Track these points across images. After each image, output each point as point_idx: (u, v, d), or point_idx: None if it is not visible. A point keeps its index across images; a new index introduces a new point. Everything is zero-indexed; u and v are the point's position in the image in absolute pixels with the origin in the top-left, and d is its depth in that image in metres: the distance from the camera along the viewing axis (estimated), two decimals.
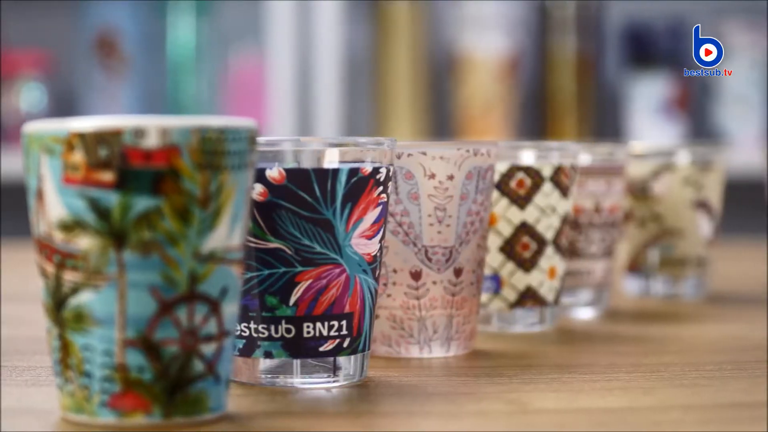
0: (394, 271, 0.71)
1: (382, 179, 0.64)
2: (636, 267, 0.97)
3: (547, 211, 0.79)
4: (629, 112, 2.08)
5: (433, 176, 0.70)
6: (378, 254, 0.64)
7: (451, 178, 0.70)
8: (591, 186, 0.87)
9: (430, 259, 0.71)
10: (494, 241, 0.79)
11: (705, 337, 0.80)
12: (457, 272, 0.71)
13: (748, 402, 0.60)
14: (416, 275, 0.71)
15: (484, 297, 0.80)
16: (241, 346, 0.64)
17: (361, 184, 0.63)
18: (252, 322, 0.63)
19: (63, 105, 2.06)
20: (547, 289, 0.80)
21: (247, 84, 2.07)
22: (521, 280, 0.79)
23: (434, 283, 0.71)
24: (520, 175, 0.79)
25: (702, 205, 0.97)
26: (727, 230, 1.45)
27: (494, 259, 0.79)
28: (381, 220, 0.64)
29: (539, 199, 0.79)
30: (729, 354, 0.74)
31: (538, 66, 2.10)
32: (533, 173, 0.79)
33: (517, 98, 2.09)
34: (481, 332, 0.79)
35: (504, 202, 0.79)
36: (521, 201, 0.79)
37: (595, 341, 0.78)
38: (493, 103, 2.06)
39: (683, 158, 0.97)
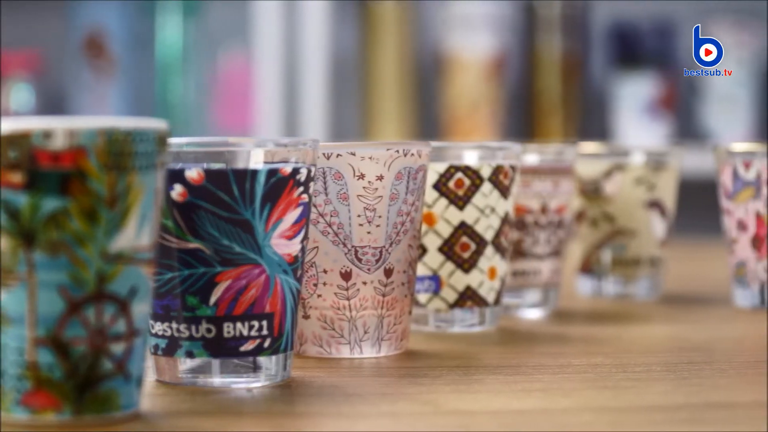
0: (325, 271, 0.71)
1: (302, 180, 0.64)
2: (588, 267, 0.97)
3: (486, 212, 0.79)
4: (616, 112, 2.08)
5: (362, 177, 0.70)
6: (299, 254, 0.64)
7: (380, 178, 0.70)
8: (537, 186, 0.87)
9: (360, 260, 0.71)
10: (433, 242, 0.79)
11: (645, 338, 0.80)
12: (388, 272, 0.71)
13: (665, 405, 0.60)
14: (346, 275, 0.71)
15: (424, 297, 0.80)
16: (164, 346, 0.64)
17: (280, 185, 0.63)
18: (174, 321, 0.63)
19: (51, 105, 2.07)
20: (487, 290, 0.80)
21: (235, 84, 2.07)
22: (461, 280, 0.79)
23: (364, 283, 0.71)
24: (459, 175, 0.79)
25: (655, 205, 0.96)
26: (690, 230, 1.45)
27: (433, 259, 0.79)
28: (302, 221, 0.64)
29: (478, 199, 0.79)
30: (663, 355, 0.74)
31: (524, 66, 2.10)
32: (471, 173, 0.79)
33: (504, 98, 2.09)
34: (420, 332, 0.79)
35: (443, 202, 0.79)
36: (460, 201, 0.79)
37: (533, 342, 0.78)
38: (479, 103, 2.06)
39: (635, 158, 0.96)
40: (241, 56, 2.06)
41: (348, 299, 0.71)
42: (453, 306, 0.80)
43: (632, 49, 2.07)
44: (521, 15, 2.11)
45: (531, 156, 0.88)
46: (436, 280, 0.79)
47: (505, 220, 0.80)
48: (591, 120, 2.14)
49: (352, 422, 0.57)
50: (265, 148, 0.63)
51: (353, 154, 0.70)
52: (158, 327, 0.64)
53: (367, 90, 2.07)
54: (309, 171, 0.65)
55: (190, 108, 2.05)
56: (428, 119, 2.13)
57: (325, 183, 0.70)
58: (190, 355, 0.63)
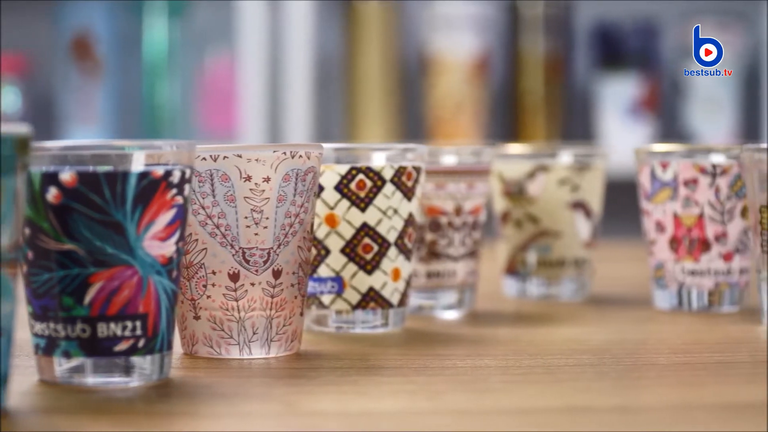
0: (213, 272, 0.71)
1: (176, 182, 0.65)
2: (513, 268, 0.97)
3: (388, 213, 0.80)
4: (599, 112, 2.08)
5: (249, 178, 0.71)
6: (174, 256, 0.65)
7: (267, 180, 0.71)
8: (451, 188, 0.88)
9: (247, 261, 0.71)
10: (336, 243, 0.79)
11: (546, 340, 0.80)
12: (276, 274, 0.72)
13: (525, 407, 0.60)
14: (234, 277, 0.71)
15: (327, 298, 0.80)
16: (43, 346, 0.65)
17: (152, 187, 0.64)
18: (51, 322, 0.64)
19: (39, 107, 2.08)
20: (390, 291, 0.80)
21: (221, 86, 2.08)
22: (363, 281, 0.80)
23: (252, 284, 0.71)
24: (360, 176, 0.79)
25: (579, 206, 0.96)
26: (621, 231, 1.44)
27: (336, 260, 0.80)
28: (177, 223, 0.65)
29: (380, 200, 0.79)
30: (551, 357, 0.74)
31: (508, 67, 2.10)
32: (373, 175, 0.79)
33: (488, 99, 2.09)
34: (323, 333, 0.80)
35: (344, 204, 0.79)
36: (361, 203, 0.79)
37: (433, 343, 0.79)
38: (464, 103, 2.06)
39: (559, 159, 0.97)
40: (227, 58, 2.07)
41: (236, 300, 0.71)
42: (356, 307, 0.80)
43: (615, 49, 2.06)
44: (505, 16, 2.11)
45: (448, 157, 0.88)
46: (338, 281, 0.80)
47: (408, 222, 0.81)
48: (574, 120, 2.14)
49: (201, 422, 0.57)
50: (139, 150, 0.64)
51: (239, 156, 0.71)
52: (38, 327, 0.65)
53: (351, 91, 2.07)
54: (183, 173, 0.65)
55: (176, 110, 2.06)
56: (413, 120, 2.13)
57: (212, 185, 0.71)
58: (66, 354, 0.64)
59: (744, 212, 0.90)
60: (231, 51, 2.06)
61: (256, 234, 0.71)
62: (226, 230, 0.71)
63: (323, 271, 0.80)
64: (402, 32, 2.09)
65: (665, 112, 2.14)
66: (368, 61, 2.06)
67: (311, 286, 0.80)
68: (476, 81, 2.06)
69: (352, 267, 0.80)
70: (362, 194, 0.79)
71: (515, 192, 0.96)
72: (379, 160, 0.80)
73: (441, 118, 2.07)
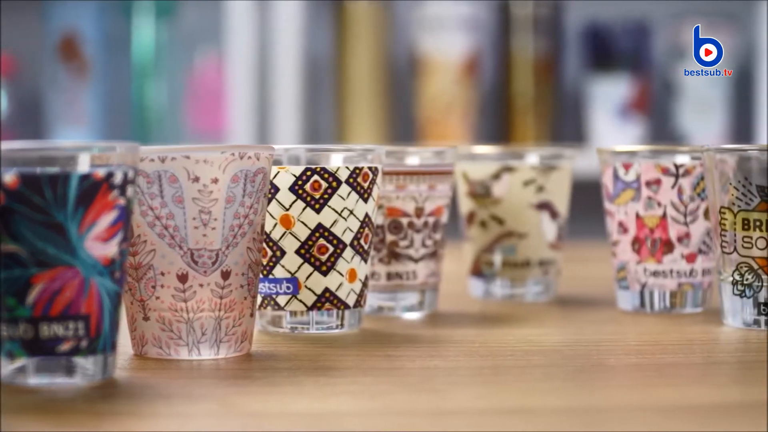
0: (162, 273, 0.71)
1: (118, 183, 0.65)
2: (478, 270, 0.97)
3: (344, 214, 0.79)
4: (590, 113, 2.08)
5: (197, 179, 0.71)
6: (117, 257, 0.65)
7: (215, 181, 0.71)
8: (412, 189, 0.88)
9: (196, 262, 0.71)
10: (292, 244, 0.79)
11: (502, 341, 0.80)
12: (225, 275, 0.71)
13: (470, 408, 0.60)
14: (183, 278, 0.71)
15: (283, 299, 0.80)
16: None
17: (93, 188, 0.64)
18: None
19: (26, 109, 2.08)
20: (346, 292, 0.80)
21: (209, 87, 2.08)
22: (319, 282, 0.80)
23: (201, 285, 0.71)
24: (315, 177, 0.79)
25: (544, 207, 0.96)
26: (590, 232, 1.43)
27: (291, 261, 0.79)
28: (119, 224, 0.65)
29: (335, 201, 0.79)
30: (505, 358, 0.74)
31: (499, 68, 2.10)
32: (328, 176, 0.79)
33: (478, 100, 2.09)
34: (278, 335, 0.80)
35: (299, 205, 0.79)
36: (316, 204, 0.79)
37: (387, 344, 0.78)
38: (454, 104, 2.06)
39: (524, 160, 0.96)
40: (216, 58, 2.07)
41: (185, 301, 0.71)
42: (311, 308, 0.80)
43: (606, 50, 2.06)
44: (495, 16, 2.11)
45: (409, 158, 0.88)
46: (294, 282, 0.80)
47: (365, 223, 0.81)
48: (565, 121, 2.14)
49: (135, 422, 0.57)
50: (83, 152, 0.64)
51: (188, 158, 0.70)
52: None
53: (341, 92, 2.07)
54: (126, 175, 0.65)
55: (164, 111, 2.06)
56: (403, 121, 2.13)
57: (160, 186, 0.71)
58: (10, 355, 0.64)
59: (707, 213, 0.90)
60: (219, 52, 2.06)
61: (204, 235, 0.71)
62: (174, 231, 0.71)
63: (278, 272, 0.80)
64: (392, 33, 2.09)
65: (656, 113, 2.13)
66: (358, 62, 2.05)
67: (267, 287, 0.80)
68: (466, 82, 2.06)
69: (307, 268, 0.80)
70: (317, 195, 0.79)
71: (480, 193, 0.96)
72: (334, 162, 0.80)
73: (431, 118, 2.07)
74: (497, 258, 0.96)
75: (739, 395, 0.64)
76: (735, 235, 0.82)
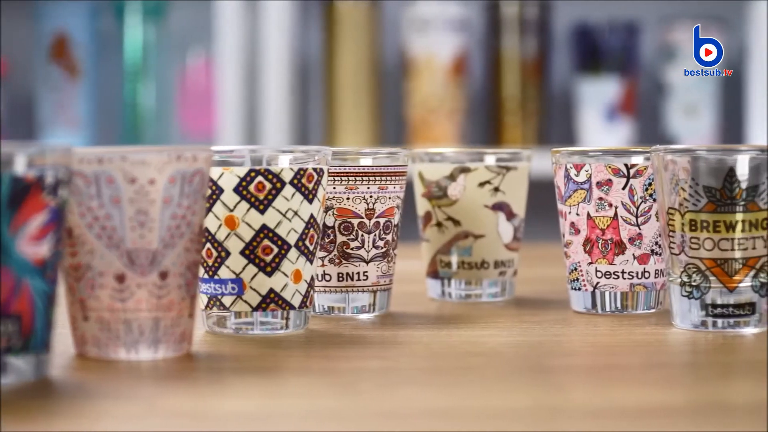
0: (100, 274, 0.72)
1: (49, 184, 0.65)
2: (435, 270, 0.97)
3: (288, 215, 0.80)
4: (579, 115, 2.08)
5: (134, 181, 0.71)
6: (50, 257, 0.66)
7: (152, 182, 0.71)
8: (362, 189, 0.88)
9: (133, 263, 0.71)
10: (236, 245, 0.80)
11: (447, 342, 0.80)
12: (163, 275, 0.72)
13: (391, 410, 0.61)
14: (120, 278, 0.72)
15: (228, 300, 0.80)
16: None
17: (24, 190, 0.64)
18: None
19: (18, 110, 2.09)
20: (291, 293, 0.80)
21: (200, 89, 2.09)
22: (263, 283, 0.80)
23: (138, 286, 0.72)
24: (259, 178, 0.79)
25: (500, 208, 0.96)
26: (553, 233, 1.43)
27: (236, 262, 0.80)
28: (52, 224, 0.65)
29: (279, 202, 0.79)
30: (443, 359, 0.74)
31: (488, 69, 2.10)
32: (272, 177, 0.79)
33: (467, 101, 2.09)
34: (223, 335, 0.80)
35: (243, 205, 0.79)
36: (260, 205, 0.79)
37: (327, 345, 0.78)
38: (443, 105, 2.06)
39: (480, 161, 0.96)
40: (206, 60, 2.08)
41: (123, 302, 0.72)
42: (256, 309, 0.80)
43: (595, 51, 2.06)
44: (484, 17, 2.11)
45: (359, 159, 0.88)
46: (238, 283, 0.80)
47: (310, 224, 0.81)
48: (554, 122, 2.14)
49: (51, 421, 0.58)
50: (18, 153, 0.64)
51: (124, 159, 0.71)
52: None
53: (330, 93, 2.07)
54: (58, 176, 0.66)
55: (155, 112, 2.06)
56: (392, 121, 2.14)
57: (98, 187, 0.71)
58: None
59: (659, 214, 0.90)
60: (209, 53, 2.06)
61: (141, 236, 0.71)
62: (112, 232, 0.71)
63: (224, 272, 0.80)
64: (381, 34, 2.09)
65: (645, 114, 2.13)
66: (347, 63, 2.06)
67: (212, 288, 0.81)
68: (455, 83, 2.06)
69: (252, 269, 0.80)
70: (261, 196, 0.80)
71: (436, 194, 0.96)
72: (278, 163, 0.80)
73: (420, 119, 2.07)
74: (454, 259, 0.96)
75: (672, 398, 0.64)
76: (683, 236, 0.82)
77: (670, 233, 0.83)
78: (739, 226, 0.82)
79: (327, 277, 0.88)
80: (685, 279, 0.83)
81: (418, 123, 2.07)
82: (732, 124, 2.12)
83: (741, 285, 0.82)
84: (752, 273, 0.82)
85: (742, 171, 0.81)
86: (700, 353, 0.78)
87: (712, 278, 0.82)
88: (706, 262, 0.82)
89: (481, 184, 0.96)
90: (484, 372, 0.70)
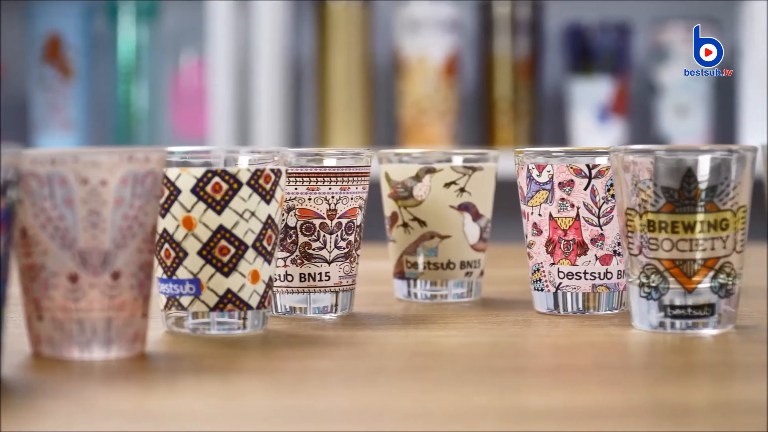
0: (54, 274, 0.72)
1: None
2: (401, 271, 0.98)
3: (245, 216, 0.80)
4: (571, 115, 2.08)
5: (86, 182, 0.71)
6: None
7: (104, 183, 0.72)
8: (323, 190, 0.88)
9: (85, 263, 0.72)
10: (193, 245, 0.80)
11: (401, 342, 0.80)
12: (115, 275, 0.72)
13: (322, 409, 0.61)
14: (73, 278, 0.72)
15: (186, 300, 0.81)
16: None
17: None
18: None
19: (11, 112, 2.10)
20: (248, 293, 0.81)
21: (192, 90, 2.09)
22: (221, 283, 0.80)
23: (91, 286, 0.72)
24: (216, 179, 0.80)
25: (466, 208, 0.96)
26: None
27: (193, 263, 0.80)
28: (1, 225, 0.66)
29: (236, 203, 0.80)
30: (392, 359, 0.74)
31: (481, 69, 2.10)
32: (229, 178, 0.80)
33: (460, 101, 2.09)
34: (181, 335, 0.81)
35: (201, 206, 0.80)
36: (217, 205, 0.80)
37: (281, 346, 0.79)
38: (436, 106, 2.06)
39: (446, 162, 0.97)
40: (199, 61, 2.08)
41: (76, 301, 0.72)
42: (213, 309, 0.81)
43: (587, 52, 2.06)
44: (476, 18, 2.11)
45: (321, 159, 0.89)
46: (196, 283, 0.80)
47: (267, 224, 0.81)
48: (546, 123, 2.14)
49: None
50: None
51: (77, 160, 0.71)
52: None
53: (323, 94, 2.08)
54: (7, 177, 0.66)
55: (148, 113, 2.07)
56: (385, 122, 2.14)
57: (51, 188, 0.71)
58: None
59: None
60: (202, 54, 2.07)
61: (93, 236, 0.72)
62: (65, 233, 0.72)
63: (181, 273, 0.81)
64: (373, 34, 2.10)
65: (637, 115, 2.13)
66: (340, 64, 2.06)
67: (171, 288, 0.81)
68: (448, 83, 2.07)
69: (209, 269, 0.80)
70: (218, 197, 0.80)
71: (402, 194, 0.97)
72: (235, 164, 0.81)
73: (412, 120, 2.07)
74: (420, 259, 0.97)
75: (622, 400, 0.64)
76: (641, 236, 0.83)
77: (629, 234, 0.83)
78: (697, 227, 0.82)
79: (289, 278, 0.89)
80: (644, 280, 0.83)
81: (410, 123, 2.07)
82: (724, 125, 2.12)
83: (700, 286, 0.82)
84: (711, 274, 0.82)
85: (701, 172, 0.81)
86: (656, 354, 0.78)
87: (670, 279, 0.82)
88: (665, 263, 0.82)
89: (447, 185, 0.96)
90: (430, 373, 0.70)
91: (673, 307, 0.82)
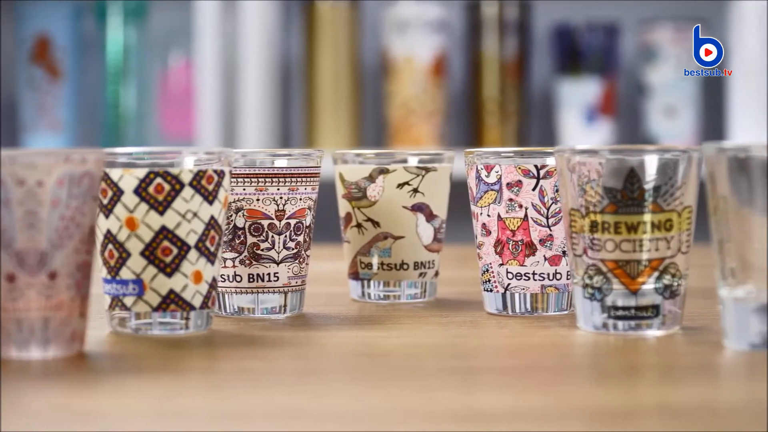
0: None
1: None
2: (355, 272, 0.98)
3: (187, 216, 0.81)
4: (559, 115, 2.08)
5: (22, 182, 0.72)
6: None
7: (40, 184, 0.72)
8: (272, 191, 0.89)
9: (23, 263, 0.73)
10: (136, 246, 0.81)
11: (343, 343, 0.80)
12: (52, 276, 0.73)
13: (243, 410, 0.62)
14: (11, 278, 0.73)
15: (129, 300, 0.81)
16: None
17: None
18: None
19: (1, 112, 2.11)
20: (191, 294, 0.81)
21: (180, 90, 2.10)
22: (163, 284, 0.81)
23: (28, 286, 0.73)
24: (158, 180, 0.80)
25: (420, 209, 0.97)
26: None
27: (136, 263, 0.81)
28: None
29: (178, 204, 0.80)
30: (329, 360, 0.75)
31: (468, 70, 2.10)
32: (171, 179, 0.80)
33: (448, 102, 2.09)
34: (124, 335, 0.81)
35: (143, 207, 0.80)
36: (159, 206, 0.80)
37: (221, 346, 0.79)
38: (424, 106, 2.06)
39: (400, 162, 0.97)
40: (187, 61, 2.09)
41: (14, 301, 0.73)
42: (156, 309, 0.81)
43: (575, 52, 2.06)
44: (464, 18, 2.11)
45: (269, 160, 0.89)
46: (139, 283, 0.81)
47: (210, 225, 0.82)
48: (534, 123, 2.14)
49: None
50: None
51: (13, 161, 0.72)
52: None
53: (311, 94, 2.08)
54: None
55: (137, 114, 2.08)
56: (373, 123, 2.14)
57: None
58: None
59: None
60: (191, 55, 2.08)
61: (30, 237, 0.72)
62: (3, 233, 0.72)
63: (125, 273, 0.81)
64: (361, 35, 2.10)
65: (625, 116, 2.13)
66: (327, 64, 2.07)
67: (114, 289, 0.82)
68: (435, 84, 2.07)
69: (151, 270, 0.81)
70: (160, 198, 0.80)
71: (356, 195, 0.97)
72: (177, 165, 0.81)
73: (400, 120, 2.08)
74: (374, 260, 0.97)
75: (553, 401, 0.65)
76: (584, 237, 0.83)
77: (573, 235, 0.83)
78: (641, 228, 0.82)
79: (238, 278, 0.89)
80: (588, 281, 0.83)
81: (398, 124, 2.07)
82: (712, 125, 2.12)
83: (644, 287, 0.83)
84: (656, 275, 0.82)
85: (644, 172, 0.82)
86: (596, 356, 0.78)
87: (614, 280, 0.82)
88: (608, 264, 0.82)
89: (400, 186, 0.96)
90: (360, 374, 0.70)
91: (616, 308, 0.83)
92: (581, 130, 2.07)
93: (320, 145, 2.05)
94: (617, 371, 0.73)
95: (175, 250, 0.81)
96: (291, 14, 2.14)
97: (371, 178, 0.97)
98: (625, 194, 0.82)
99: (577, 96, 2.06)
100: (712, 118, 2.12)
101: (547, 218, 0.89)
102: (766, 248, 0.78)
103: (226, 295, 0.90)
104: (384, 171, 0.97)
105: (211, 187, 0.82)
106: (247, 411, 0.61)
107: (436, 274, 0.99)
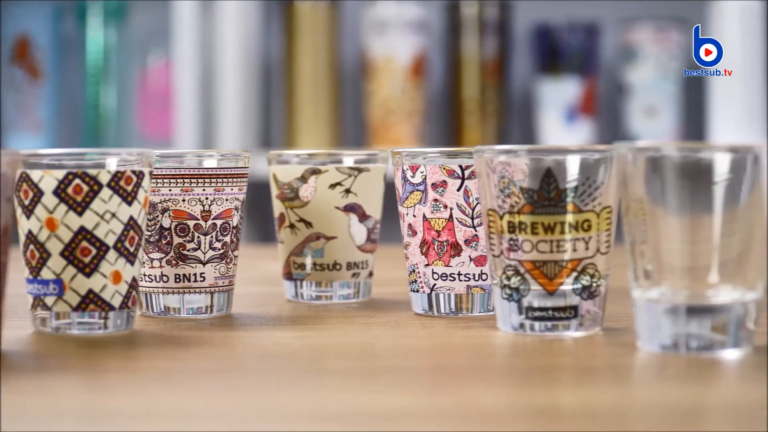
0: None
1: None
2: (289, 272, 0.99)
3: (106, 217, 0.81)
4: (539, 116, 2.08)
5: None
6: None
7: None
8: (197, 191, 0.89)
9: None
10: (56, 246, 0.81)
11: (259, 343, 0.81)
12: None
13: (146, 409, 0.62)
14: None
15: (50, 300, 0.82)
16: None
17: None
18: None
19: None
20: (110, 294, 0.82)
21: (160, 91, 2.11)
22: (83, 284, 0.82)
23: None
24: (77, 181, 0.81)
25: (352, 209, 0.97)
26: None
27: (56, 263, 0.81)
28: None
29: (97, 205, 0.81)
30: (241, 359, 0.75)
31: (448, 70, 2.11)
32: (89, 179, 0.81)
33: (427, 102, 2.10)
34: (45, 335, 0.82)
35: (62, 208, 0.81)
36: (78, 207, 0.81)
37: (137, 346, 0.80)
38: (404, 106, 2.07)
39: (332, 162, 0.98)
40: (166, 62, 2.10)
41: None
42: (76, 309, 0.82)
43: (555, 52, 2.07)
44: (443, 18, 2.12)
45: (198, 161, 0.90)
46: (59, 283, 0.82)
47: (130, 226, 0.82)
48: (514, 123, 2.15)
49: None
50: None
51: None
52: None
53: (290, 94, 2.09)
54: None
55: (117, 115, 2.09)
56: (353, 123, 2.15)
57: None
58: None
59: None
60: (170, 55, 2.09)
61: None
62: None
63: (45, 273, 0.82)
64: (341, 35, 2.11)
65: (605, 115, 2.14)
66: (307, 64, 2.07)
67: (36, 289, 0.83)
68: (415, 84, 2.07)
69: (71, 270, 0.82)
70: (79, 199, 0.81)
71: (289, 195, 0.98)
72: (97, 166, 0.82)
73: (380, 120, 2.08)
74: (307, 260, 0.98)
75: (455, 401, 0.65)
76: (502, 237, 0.83)
77: (491, 235, 0.84)
78: (557, 228, 0.82)
79: (164, 278, 0.90)
80: (505, 281, 0.83)
81: (377, 124, 2.08)
82: (692, 125, 2.12)
83: (562, 288, 0.83)
84: (574, 275, 0.83)
85: (561, 173, 0.82)
86: (511, 357, 0.78)
87: (531, 281, 0.83)
88: (526, 265, 0.83)
89: (332, 186, 0.97)
90: (260, 374, 0.71)
91: (533, 309, 0.83)
92: (561, 130, 2.07)
93: (300, 146, 2.06)
94: (527, 372, 0.73)
95: (93, 251, 0.82)
96: (270, 14, 2.15)
97: (303, 179, 0.97)
98: (542, 195, 0.82)
99: (557, 96, 2.07)
100: (693, 118, 2.12)
101: (472, 219, 0.90)
102: (680, 249, 0.78)
103: (153, 295, 0.90)
104: (316, 171, 0.97)
105: (130, 188, 0.82)
106: (134, 410, 0.62)
107: (370, 274, 0.99)
